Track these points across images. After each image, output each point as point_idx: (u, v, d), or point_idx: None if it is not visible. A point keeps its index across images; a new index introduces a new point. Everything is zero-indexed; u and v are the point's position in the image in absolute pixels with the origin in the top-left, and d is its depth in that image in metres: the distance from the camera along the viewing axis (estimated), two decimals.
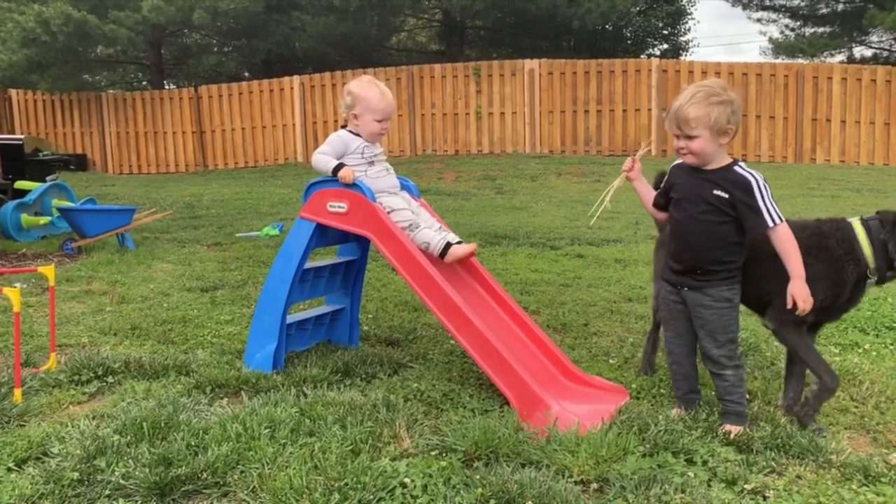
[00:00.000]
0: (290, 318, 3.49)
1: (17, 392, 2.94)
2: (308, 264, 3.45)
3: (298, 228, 3.36)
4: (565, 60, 16.66)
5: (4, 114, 19.13)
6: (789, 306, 2.56)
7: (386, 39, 23.76)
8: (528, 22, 20.60)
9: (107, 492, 2.20)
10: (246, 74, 23.72)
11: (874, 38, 22.17)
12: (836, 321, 2.95)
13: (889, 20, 17.27)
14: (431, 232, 3.29)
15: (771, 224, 2.59)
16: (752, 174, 2.64)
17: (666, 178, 2.89)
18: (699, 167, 2.71)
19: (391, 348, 3.76)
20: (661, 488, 2.20)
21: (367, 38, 20.90)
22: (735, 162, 2.69)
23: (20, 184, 7.72)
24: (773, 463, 2.41)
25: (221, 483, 2.27)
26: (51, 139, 18.28)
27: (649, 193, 2.96)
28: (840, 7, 22.39)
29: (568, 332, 4.10)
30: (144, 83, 25.27)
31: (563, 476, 2.29)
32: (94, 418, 2.77)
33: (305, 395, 2.96)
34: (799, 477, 2.34)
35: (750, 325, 4.15)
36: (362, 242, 3.72)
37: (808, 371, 2.84)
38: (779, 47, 22.26)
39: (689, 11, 25.08)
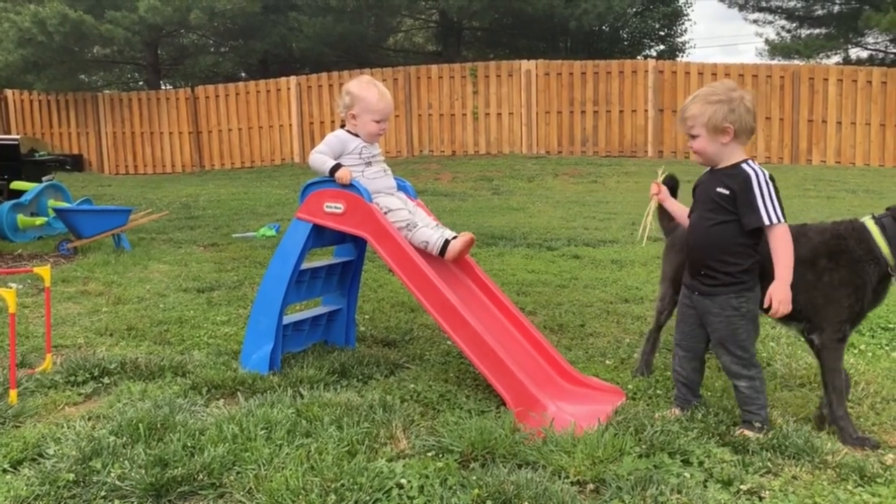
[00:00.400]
0: (287, 319, 3.49)
1: (13, 393, 2.94)
2: (305, 265, 3.45)
3: (295, 229, 3.35)
4: (562, 61, 16.68)
5: (0, 114, 19.09)
6: (766, 305, 2.55)
7: (383, 40, 23.76)
8: (525, 23, 20.62)
9: (102, 493, 2.19)
10: (243, 75, 23.70)
11: (870, 39, 22.24)
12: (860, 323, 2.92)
13: (885, 22, 17.31)
14: (430, 230, 3.29)
15: (766, 221, 2.53)
16: (755, 169, 2.58)
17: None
18: (711, 167, 2.70)
19: (388, 349, 3.76)
20: (657, 489, 2.20)
21: (364, 38, 20.90)
22: (745, 160, 2.64)
23: (16, 184, 7.70)
24: (768, 463, 2.41)
25: (217, 484, 2.26)
26: (47, 139, 18.25)
27: (681, 210, 2.95)
28: (836, 9, 22.45)
29: (564, 333, 4.10)
30: (141, 83, 25.24)
31: (560, 477, 2.29)
32: (89, 419, 2.77)
33: (302, 396, 2.95)
34: (795, 477, 2.34)
35: None
36: (359, 243, 3.72)
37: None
38: (775, 48, 22.30)
39: (685, 12, 25.14)
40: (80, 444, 2.44)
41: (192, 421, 2.66)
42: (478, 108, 16.67)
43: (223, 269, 5.94)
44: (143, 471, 2.26)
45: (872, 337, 3.96)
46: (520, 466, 2.36)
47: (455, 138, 16.87)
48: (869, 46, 22.80)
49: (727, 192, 2.60)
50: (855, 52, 23.03)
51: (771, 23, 24.18)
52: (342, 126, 3.45)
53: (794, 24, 23.71)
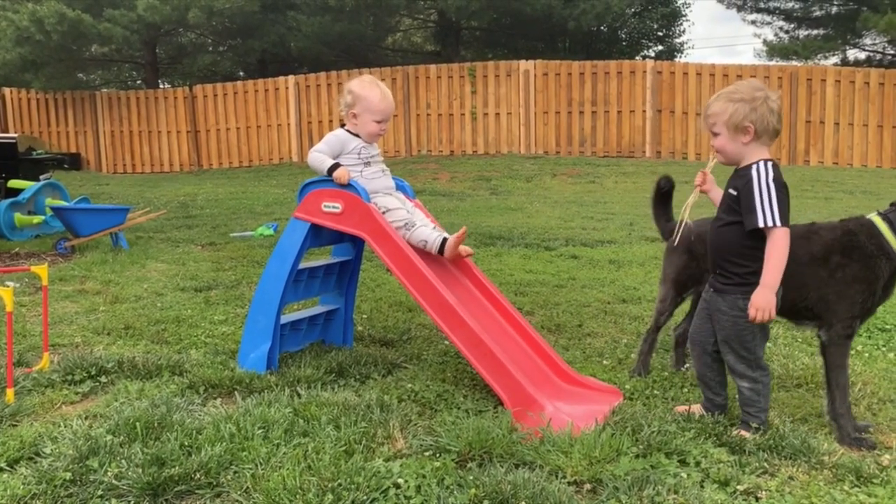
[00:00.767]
0: (285, 319, 3.49)
1: (10, 392, 2.93)
2: (302, 264, 3.45)
3: (293, 228, 3.35)
4: (560, 61, 16.70)
5: None
6: (750, 314, 2.54)
7: (381, 39, 23.75)
8: (524, 23, 20.63)
9: (99, 492, 2.19)
10: (241, 74, 23.69)
11: (867, 40, 22.27)
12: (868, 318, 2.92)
13: (882, 23, 17.34)
14: (428, 230, 3.29)
15: (761, 223, 2.49)
16: (760, 169, 2.55)
17: None
18: (734, 167, 2.69)
19: (385, 349, 3.76)
20: (654, 489, 2.20)
21: (362, 38, 20.89)
22: (760, 161, 2.59)
23: (13, 183, 7.69)
24: (765, 464, 2.42)
25: (215, 483, 2.26)
26: (45, 138, 18.23)
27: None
28: (834, 10, 22.48)
29: (562, 333, 4.11)
30: (139, 82, 25.21)
31: (557, 477, 2.30)
32: (86, 418, 2.77)
33: (299, 396, 2.95)
34: (791, 478, 2.34)
35: None
36: (357, 243, 3.72)
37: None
38: (773, 49, 22.32)
39: (683, 13, 25.18)
40: (77, 442, 2.44)
41: (190, 420, 2.66)
42: (476, 108, 16.68)
43: (221, 268, 5.94)
44: (140, 470, 2.26)
45: (869, 338, 3.97)
46: (517, 466, 2.36)
47: (453, 138, 16.87)
48: (867, 48, 22.85)
49: (735, 192, 2.60)
50: (853, 54, 23.09)
51: (769, 24, 24.24)
52: (342, 125, 3.45)
53: (793, 25, 23.75)
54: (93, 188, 13.27)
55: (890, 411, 2.93)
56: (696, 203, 2.85)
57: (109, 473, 2.26)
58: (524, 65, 16.49)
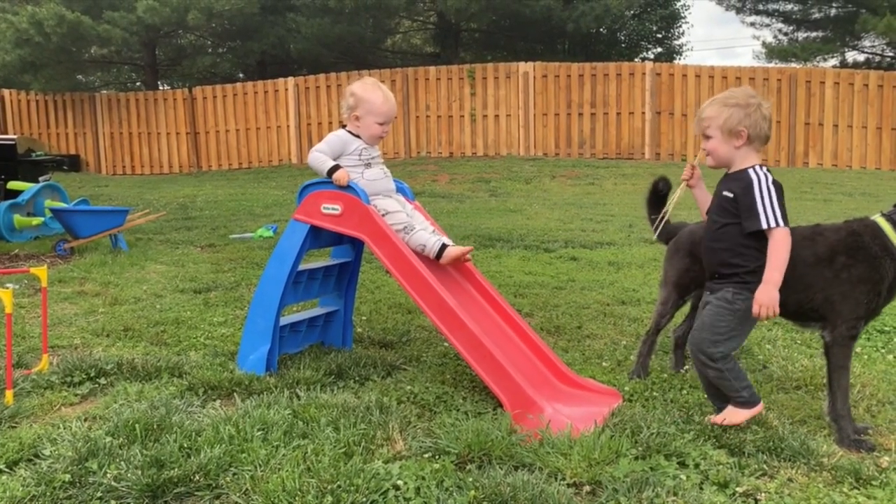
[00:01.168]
0: (284, 320, 3.49)
1: (9, 393, 2.93)
2: (302, 266, 3.45)
3: (292, 230, 3.35)
4: (559, 63, 16.71)
5: None
6: (754, 311, 2.56)
7: (381, 41, 23.76)
8: (523, 25, 20.65)
9: (98, 494, 2.19)
10: (240, 76, 23.70)
11: (867, 42, 22.31)
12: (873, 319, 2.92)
13: (881, 25, 17.37)
14: (427, 234, 3.29)
15: (764, 225, 2.55)
16: (758, 174, 2.61)
17: None
18: (725, 170, 2.73)
19: (385, 350, 3.76)
20: (653, 491, 2.21)
21: (362, 39, 20.91)
22: (754, 165, 2.66)
23: (13, 184, 7.69)
24: (764, 466, 2.42)
25: (214, 485, 2.26)
26: (44, 139, 18.23)
27: (707, 200, 2.91)
28: (833, 12, 22.51)
29: (561, 335, 4.11)
30: (138, 84, 25.22)
31: (556, 479, 2.30)
32: (86, 420, 2.76)
33: (298, 398, 2.95)
34: (790, 480, 2.35)
35: None
36: (356, 244, 3.72)
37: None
38: (772, 51, 22.35)
39: (683, 15, 25.19)
40: (77, 444, 2.44)
41: (189, 422, 2.66)
42: (475, 110, 16.69)
43: (220, 269, 5.94)
44: (140, 472, 2.26)
45: (868, 339, 3.97)
46: (516, 468, 2.36)
47: (453, 140, 16.88)
48: (866, 50, 22.88)
49: (731, 195, 2.65)
50: (852, 56, 23.13)
51: (768, 26, 24.26)
52: (342, 127, 3.46)
53: (792, 28, 23.78)
54: (92, 190, 13.27)
55: (889, 413, 2.93)
56: (680, 200, 2.92)
57: (109, 475, 2.26)
58: (523, 66, 16.50)
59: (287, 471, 2.27)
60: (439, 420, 2.75)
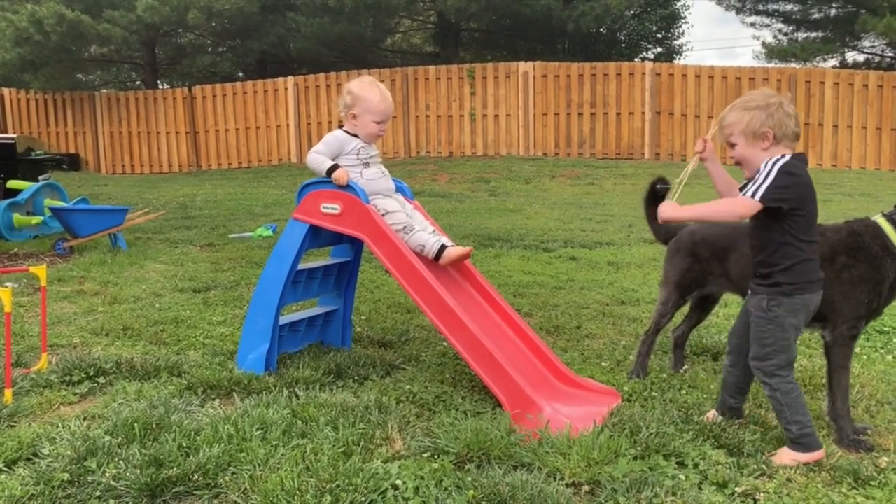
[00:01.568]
0: (283, 320, 3.49)
1: (8, 392, 2.93)
2: (301, 265, 3.45)
3: (292, 229, 3.35)
4: (559, 63, 16.70)
5: None
6: (659, 215, 2.56)
7: (381, 41, 23.75)
8: (523, 24, 20.64)
9: (97, 493, 2.19)
10: (240, 75, 23.67)
11: (866, 43, 22.29)
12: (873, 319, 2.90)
13: (881, 26, 17.35)
14: (426, 234, 3.29)
15: (743, 193, 2.48)
16: (772, 157, 2.50)
17: None
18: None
19: (384, 350, 3.76)
20: (652, 491, 2.21)
21: (361, 39, 20.90)
22: (778, 154, 2.53)
23: (12, 183, 7.68)
24: (763, 466, 2.42)
25: (213, 484, 2.26)
26: (44, 138, 18.21)
27: (722, 176, 2.80)
28: (833, 12, 22.49)
29: (560, 335, 4.11)
30: (138, 83, 25.21)
31: (555, 478, 2.30)
32: (84, 419, 2.77)
33: (297, 397, 2.95)
34: (789, 480, 2.35)
35: None
36: (356, 244, 3.72)
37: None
38: (772, 52, 22.33)
39: (683, 15, 25.15)
40: (75, 443, 2.44)
41: (188, 421, 2.66)
42: (475, 110, 16.68)
43: (219, 269, 5.93)
44: (138, 471, 2.26)
45: (867, 340, 3.97)
46: (515, 468, 2.36)
47: (452, 139, 16.88)
48: (865, 50, 22.87)
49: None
50: (851, 56, 23.10)
51: (768, 26, 24.22)
52: (340, 126, 3.46)
53: (791, 28, 23.76)
54: (91, 189, 13.27)
55: (888, 413, 2.93)
56: (694, 171, 2.78)
57: (107, 474, 2.26)
58: (523, 66, 16.50)
59: (286, 470, 2.27)
60: (438, 420, 2.75)
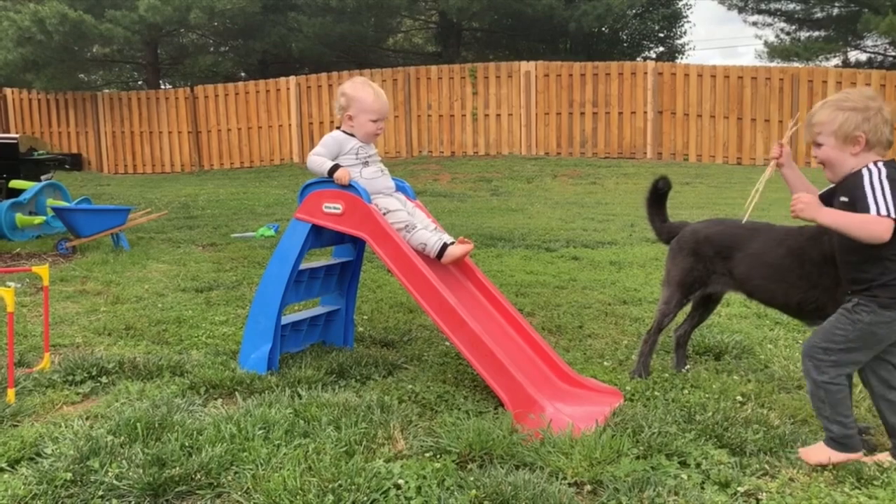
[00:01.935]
0: (285, 319, 3.49)
1: (11, 392, 2.94)
2: (303, 265, 3.45)
3: (294, 229, 3.36)
4: (561, 63, 16.70)
5: None
6: (792, 207, 2.35)
7: (382, 41, 23.76)
8: (525, 24, 20.64)
9: (100, 492, 2.19)
10: (242, 75, 23.70)
11: (869, 42, 22.26)
12: None
13: (884, 25, 17.32)
14: (428, 233, 3.29)
15: (874, 212, 2.26)
16: (871, 168, 2.34)
17: None
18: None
19: (386, 349, 3.76)
20: (654, 490, 2.20)
21: (363, 39, 20.90)
22: (870, 162, 2.38)
23: (15, 183, 7.70)
24: (766, 465, 2.42)
25: (215, 484, 2.26)
26: (46, 138, 18.25)
27: (801, 182, 2.66)
28: (835, 11, 22.46)
29: (563, 334, 4.11)
30: (140, 83, 25.23)
31: (557, 478, 2.30)
32: (87, 419, 2.77)
33: (300, 396, 2.95)
34: (792, 479, 2.34)
35: (744, 327, 4.16)
36: (358, 244, 3.72)
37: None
38: (774, 51, 22.32)
39: (685, 14, 25.16)
40: (78, 443, 2.44)
41: (190, 421, 2.66)
42: (477, 109, 16.69)
43: (222, 268, 5.94)
44: (141, 470, 2.26)
45: None
46: (517, 467, 2.36)
47: (454, 139, 16.88)
48: (868, 49, 22.84)
49: (847, 199, 2.39)
50: (854, 55, 23.08)
51: (770, 25, 24.20)
52: (338, 127, 3.46)
53: (794, 27, 23.73)
54: (94, 189, 13.29)
55: None
56: (770, 178, 2.64)
57: (110, 474, 2.26)
58: (525, 66, 16.50)
59: (288, 470, 2.27)
60: (440, 419, 2.75)
